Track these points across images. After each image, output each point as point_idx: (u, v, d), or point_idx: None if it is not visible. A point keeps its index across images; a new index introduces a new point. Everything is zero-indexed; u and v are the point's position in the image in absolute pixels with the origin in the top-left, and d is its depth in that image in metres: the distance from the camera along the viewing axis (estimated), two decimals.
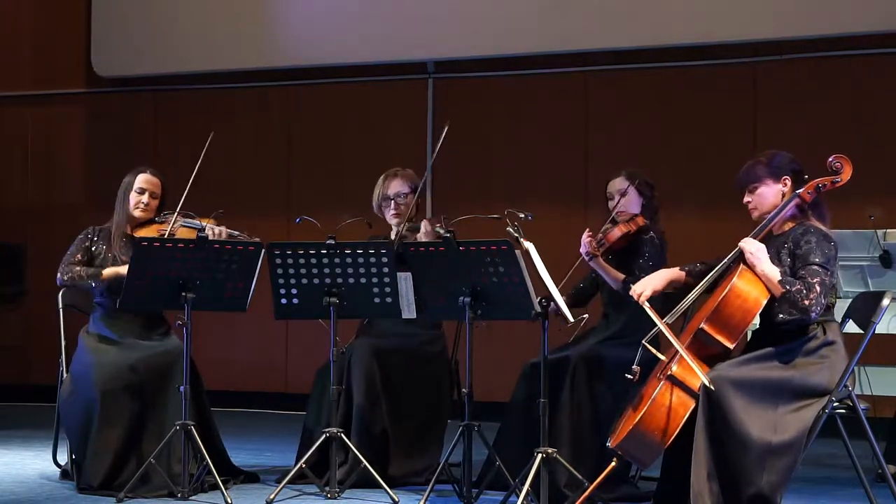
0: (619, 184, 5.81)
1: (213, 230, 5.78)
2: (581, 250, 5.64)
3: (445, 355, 6.20)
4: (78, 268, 5.89)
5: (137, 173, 6.03)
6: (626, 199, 5.76)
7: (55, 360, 6.03)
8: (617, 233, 5.68)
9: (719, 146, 8.36)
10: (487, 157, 8.92)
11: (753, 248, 4.76)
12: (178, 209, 5.88)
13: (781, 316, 4.64)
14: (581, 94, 8.81)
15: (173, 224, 5.86)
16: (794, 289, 4.63)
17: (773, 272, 4.69)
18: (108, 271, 5.85)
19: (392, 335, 6.12)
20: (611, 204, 5.81)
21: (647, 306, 4.85)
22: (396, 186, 6.24)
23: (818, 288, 4.63)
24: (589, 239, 5.64)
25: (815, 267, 4.67)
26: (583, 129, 8.78)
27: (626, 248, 5.70)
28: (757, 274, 4.72)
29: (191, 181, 5.81)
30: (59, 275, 5.91)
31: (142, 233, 5.90)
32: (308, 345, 8.91)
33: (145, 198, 5.97)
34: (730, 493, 4.56)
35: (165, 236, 5.75)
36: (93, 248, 5.97)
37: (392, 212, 6.23)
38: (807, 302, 4.61)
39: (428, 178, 7.55)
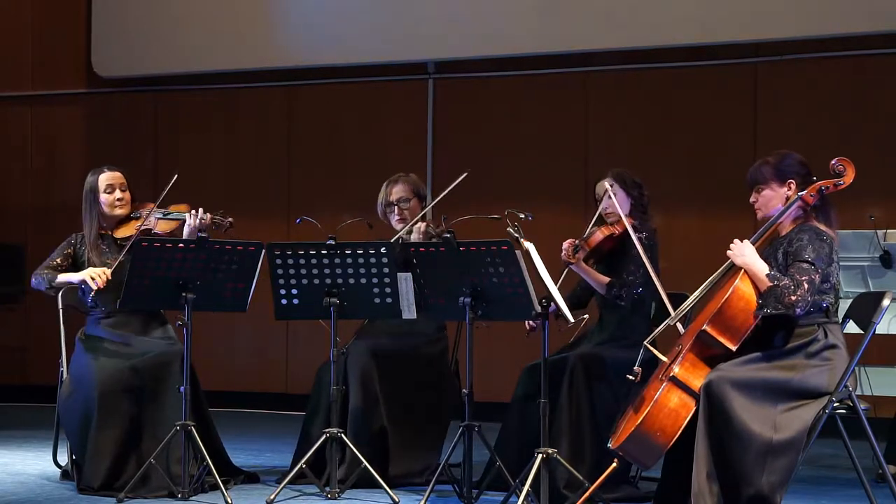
0: (605, 186, 5.78)
1: (195, 217, 5.77)
2: (562, 256, 5.64)
3: (447, 357, 6.19)
4: (47, 271, 5.87)
5: (97, 174, 5.97)
6: (613, 200, 5.71)
7: (55, 360, 6.01)
8: (599, 236, 5.66)
9: (719, 146, 8.36)
10: (487, 157, 8.90)
11: (738, 245, 4.77)
12: (154, 206, 5.86)
13: (766, 310, 4.62)
14: (581, 95, 8.80)
15: (148, 217, 5.82)
16: (781, 284, 4.61)
17: (761, 266, 4.69)
18: (60, 277, 5.83)
19: (392, 336, 6.11)
20: (599, 206, 5.79)
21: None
22: (399, 192, 6.24)
23: (806, 285, 4.60)
24: (568, 245, 5.62)
25: (805, 264, 4.65)
26: (583, 129, 8.78)
27: (614, 250, 5.69)
28: (742, 266, 4.71)
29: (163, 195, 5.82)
30: (32, 278, 5.91)
31: (121, 232, 5.91)
32: (308, 345, 8.91)
33: (118, 193, 5.93)
34: (730, 494, 4.56)
35: (149, 232, 5.75)
36: (77, 255, 5.94)
37: (396, 217, 6.23)
38: (793, 298, 4.59)
39: (429, 183, 7.55)
